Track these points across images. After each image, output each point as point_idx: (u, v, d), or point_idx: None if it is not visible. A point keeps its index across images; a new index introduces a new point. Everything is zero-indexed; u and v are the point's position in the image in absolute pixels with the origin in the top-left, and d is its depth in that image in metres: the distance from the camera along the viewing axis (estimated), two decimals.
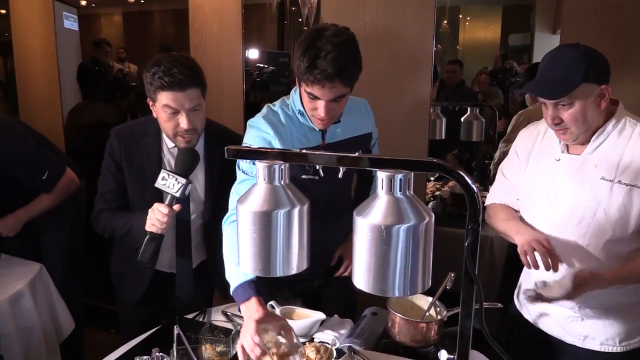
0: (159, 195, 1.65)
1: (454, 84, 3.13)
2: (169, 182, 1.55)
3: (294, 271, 0.94)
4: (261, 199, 0.90)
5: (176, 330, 1.48)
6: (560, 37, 2.14)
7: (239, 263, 0.95)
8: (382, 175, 0.83)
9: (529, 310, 1.69)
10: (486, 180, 2.68)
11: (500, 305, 1.64)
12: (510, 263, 1.75)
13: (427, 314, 1.58)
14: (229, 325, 1.60)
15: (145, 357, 1.39)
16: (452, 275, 1.59)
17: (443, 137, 2.96)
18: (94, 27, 4.60)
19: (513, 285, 1.80)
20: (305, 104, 1.58)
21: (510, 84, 2.88)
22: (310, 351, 1.47)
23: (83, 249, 2.60)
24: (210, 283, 2.01)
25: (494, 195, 1.76)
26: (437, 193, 3.00)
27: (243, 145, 1.59)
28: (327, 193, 1.70)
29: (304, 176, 1.59)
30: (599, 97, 1.40)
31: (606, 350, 1.55)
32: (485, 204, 1.78)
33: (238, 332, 1.55)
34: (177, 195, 1.55)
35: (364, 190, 1.94)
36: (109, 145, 1.79)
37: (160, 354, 1.48)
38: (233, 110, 2.64)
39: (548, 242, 1.45)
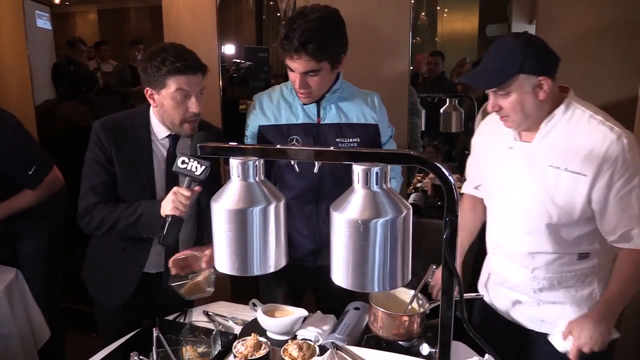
0: (151, 187, 1.72)
1: (434, 76, 3.13)
2: (190, 165, 1.55)
3: (271, 269, 0.92)
4: (236, 197, 0.88)
5: (155, 332, 1.45)
6: (535, 26, 2.15)
7: (215, 262, 0.93)
8: (357, 169, 0.82)
9: (492, 298, 1.72)
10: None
11: (482, 295, 1.65)
12: (481, 253, 1.78)
13: (409, 307, 1.57)
14: (210, 326, 1.57)
15: None
16: (434, 267, 1.59)
17: (423, 128, 2.96)
18: (69, 26, 4.52)
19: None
20: (289, 75, 1.71)
21: None
22: (292, 349, 1.46)
23: (62, 255, 2.54)
24: None
25: (464, 186, 1.84)
26: (419, 185, 3.01)
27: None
28: (313, 177, 1.76)
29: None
30: (538, 87, 1.40)
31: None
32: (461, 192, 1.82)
33: (219, 332, 1.54)
34: (201, 177, 1.56)
35: None
36: (94, 137, 1.73)
37: (140, 357, 1.45)
38: (210, 106, 2.60)
39: None
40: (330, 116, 1.78)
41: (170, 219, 1.58)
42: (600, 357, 1.46)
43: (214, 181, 1.70)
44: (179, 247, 1.80)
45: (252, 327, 1.64)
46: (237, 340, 1.51)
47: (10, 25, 3.26)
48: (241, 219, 0.88)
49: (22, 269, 2.26)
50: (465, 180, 1.85)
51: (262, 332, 1.61)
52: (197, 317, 1.75)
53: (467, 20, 3.18)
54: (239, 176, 0.89)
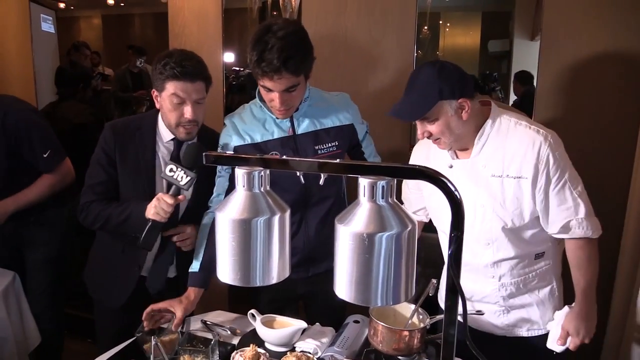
0: (152, 186, 1.74)
1: None
2: (177, 174, 1.61)
3: (274, 280, 0.92)
4: (240, 207, 0.88)
5: (153, 340, 1.45)
6: (540, 43, 2.16)
7: (217, 272, 0.93)
8: (364, 182, 0.82)
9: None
10: None
11: (483, 312, 1.64)
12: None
13: (409, 321, 1.56)
14: (208, 335, 1.56)
15: None
16: (435, 282, 1.58)
17: None
18: (73, 30, 4.53)
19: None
20: (263, 96, 1.69)
21: (490, 89, 2.90)
22: None
23: (70, 263, 2.53)
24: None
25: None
26: None
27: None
28: (300, 186, 1.75)
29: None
30: (460, 109, 1.49)
31: (533, 335, 1.68)
32: None
33: (217, 342, 1.52)
34: (186, 187, 1.62)
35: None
36: (102, 138, 1.81)
37: None
38: (213, 113, 2.60)
39: None
40: (305, 125, 1.76)
41: (150, 223, 1.64)
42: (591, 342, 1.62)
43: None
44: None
45: (251, 338, 1.63)
46: (235, 351, 1.50)
47: (16, 28, 3.29)
48: (245, 229, 0.87)
49: (30, 275, 2.26)
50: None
51: (260, 343, 1.60)
52: (195, 327, 1.74)
53: (469, 35, 3.19)
54: (244, 186, 0.89)
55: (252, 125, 1.77)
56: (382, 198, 0.82)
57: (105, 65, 4.51)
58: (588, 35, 2.06)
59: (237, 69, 3.18)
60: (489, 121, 1.55)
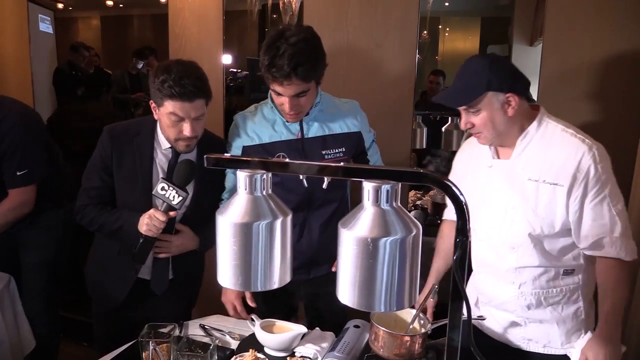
0: (148, 194, 1.70)
1: (435, 95, 3.13)
2: (168, 193, 1.61)
3: (275, 285, 0.90)
4: (242, 210, 0.86)
5: (151, 345, 1.43)
6: (542, 48, 2.16)
7: (218, 276, 0.91)
8: (368, 187, 0.80)
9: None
10: None
11: (484, 317, 1.62)
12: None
13: (410, 326, 1.55)
14: (207, 340, 1.55)
15: None
16: (436, 286, 1.57)
17: (424, 146, 2.95)
18: (72, 31, 4.51)
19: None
20: (274, 99, 1.72)
21: None
22: None
23: (66, 267, 2.50)
24: (187, 296, 1.99)
25: (445, 212, 1.89)
26: (418, 202, 2.99)
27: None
28: (304, 189, 1.76)
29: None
30: (506, 104, 1.46)
31: (549, 353, 1.60)
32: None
33: (216, 347, 1.51)
34: (177, 207, 1.63)
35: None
36: (100, 143, 1.80)
37: None
38: (213, 115, 2.58)
39: None
40: (314, 130, 1.78)
41: (142, 239, 1.65)
42: None
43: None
44: None
45: (250, 343, 1.61)
46: (234, 356, 1.49)
47: (13, 28, 3.26)
48: (246, 232, 0.86)
49: (25, 278, 2.23)
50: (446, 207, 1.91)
51: (260, 347, 1.58)
52: (194, 331, 1.72)
53: (468, 40, 3.20)
54: (245, 189, 0.87)
55: (261, 125, 1.78)
56: (387, 202, 0.80)
57: (104, 67, 4.50)
58: (590, 39, 2.06)
59: (235, 70, 3.17)
60: (535, 124, 1.51)
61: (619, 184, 1.80)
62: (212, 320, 1.81)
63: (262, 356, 1.48)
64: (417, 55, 2.42)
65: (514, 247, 1.55)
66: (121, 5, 4.43)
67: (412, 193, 3.01)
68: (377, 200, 0.80)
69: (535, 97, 2.16)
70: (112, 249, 1.85)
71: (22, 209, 2.17)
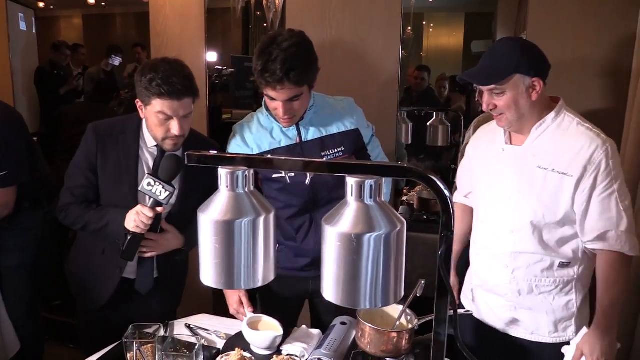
0: (134, 192, 1.71)
1: (420, 90, 3.14)
2: (155, 189, 1.60)
3: (259, 284, 0.89)
4: (223, 208, 0.84)
5: (136, 345, 1.41)
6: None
7: (201, 275, 0.90)
8: (351, 182, 0.79)
9: (469, 301, 1.78)
10: (450, 186, 2.70)
11: (471, 312, 1.63)
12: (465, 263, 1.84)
13: (397, 323, 1.54)
14: (192, 339, 1.53)
15: None
16: (423, 282, 1.56)
17: (409, 141, 2.96)
18: (53, 30, 4.45)
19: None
20: (268, 104, 1.72)
21: (472, 90, 2.92)
22: None
23: (47, 269, 2.46)
24: (172, 295, 1.96)
25: (455, 195, 1.89)
26: (404, 198, 2.99)
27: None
28: (308, 190, 1.77)
29: (274, 175, 1.74)
30: (531, 88, 1.48)
31: (537, 340, 1.63)
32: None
33: (202, 346, 1.49)
34: (165, 202, 1.62)
35: None
36: (84, 141, 1.77)
37: None
38: (196, 113, 2.55)
39: None
40: (311, 133, 1.79)
41: (130, 236, 1.64)
42: None
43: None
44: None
45: (236, 341, 1.60)
46: (220, 355, 1.47)
47: None
48: (228, 230, 0.84)
49: (4, 281, 2.19)
50: (455, 190, 1.92)
51: (246, 346, 1.57)
52: (180, 331, 1.70)
53: (453, 35, 3.22)
54: (227, 186, 0.86)
55: (259, 134, 1.79)
56: (371, 198, 0.79)
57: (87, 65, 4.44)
58: (573, 34, 2.08)
59: (220, 68, 3.15)
60: (552, 114, 1.54)
61: None
62: (198, 320, 1.79)
63: (248, 355, 1.47)
64: (402, 52, 2.42)
65: (512, 230, 1.57)
66: (103, 4, 4.38)
67: None
68: (360, 196, 0.79)
69: None
70: (96, 248, 1.83)
71: (1, 211, 2.13)
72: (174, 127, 1.65)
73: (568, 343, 1.57)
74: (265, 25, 3.25)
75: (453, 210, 0.83)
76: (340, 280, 0.80)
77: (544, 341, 1.62)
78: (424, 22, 3.23)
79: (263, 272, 0.89)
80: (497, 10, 2.74)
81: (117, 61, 4.03)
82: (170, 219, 1.80)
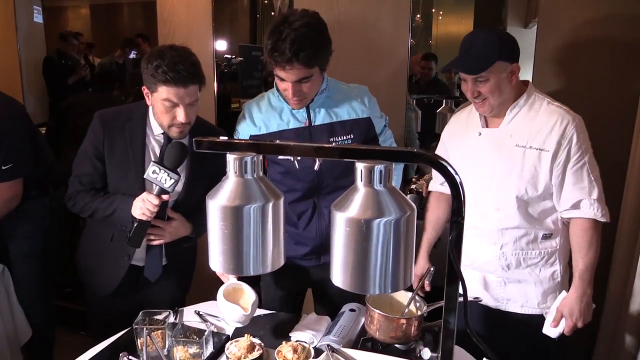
0: (141, 179, 1.70)
1: (428, 79, 3.11)
2: (160, 176, 1.61)
3: (268, 270, 0.89)
4: (232, 194, 0.84)
5: (146, 331, 1.42)
6: (536, 29, 2.14)
7: (210, 261, 0.90)
8: (360, 167, 0.79)
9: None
10: None
11: (481, 299, 1.63)
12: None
13: (406, 309, 1.54)
14: (202, 326, 1.54)
15: None
16: (432, 269, 1.56)
17: (418, 129, 2.94)
18: (61, 20, 4.46)
19: None
20: (278, 85, 1.71)
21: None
22: (287, 351, 1.42)
23: (56, 256, 2.47)
24: (182, 282, 1.97)
25: (431, 184, 1.99)
26: (413, 186, 2.97)
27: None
28: (314, 176, 1.76)
29: (280, 157, 1.71)
30: (511, 73, 1.61)
31: (526, 312, 1.73)
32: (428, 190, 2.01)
33: (212, 333, 1.50)
34: (170, 190, 1.63)
35: None
36: (90, 129, 1.77)
37: (129, 357, 1.41)
38: (204, 102, 2.55)
39: None
40: (321, 117, 1.77)
41: (137, 223, 1.65)
42: (587, 326, 1.66)
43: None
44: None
45: (245, 328, 1.60)
46: (229, 341, 1.48)
47: (0, 18, 3.21)
48: (237, 216, 0.84)
49: (14, 269, 2.21)
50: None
51: (255, 332, 1.57)
52: (189, 317, 1.71)
53: (462, 23, 3.17)
54: (235, 172, 0.86)
55: (268, 114, 1.78)
56: (380, 183, 0.79)
57: (95, 56, 4.45)
58: (584, 20, 2.04)
59: (229, 56, 3.13)
60: (524, 96, 1.66)
61: (615, 156, 1.87)
62: (207, 306, 1.80)
63: (257, 341, 1.47)
64: (411, 40, 2.39)
65: (498, 208, 1.67)
66: None
67: None
68: (370, 181, 0.79)
69: (530, 78, 2.14)
70: (105, 235, 1.84)
71: (10, 204, 2.14)
72: (180, 115, 1.64)
73: None
74: (272, 13, 3.24)
75: (464, 196, 0.82)
76: (349, 266, 0.80)
77: (533, 313, 1.72)
78: (433, 10, 3.19)
79: (272, 258, 0.89)
80: None
81: (132, 55, 4.05)
82: (177, 206, 1.80)
